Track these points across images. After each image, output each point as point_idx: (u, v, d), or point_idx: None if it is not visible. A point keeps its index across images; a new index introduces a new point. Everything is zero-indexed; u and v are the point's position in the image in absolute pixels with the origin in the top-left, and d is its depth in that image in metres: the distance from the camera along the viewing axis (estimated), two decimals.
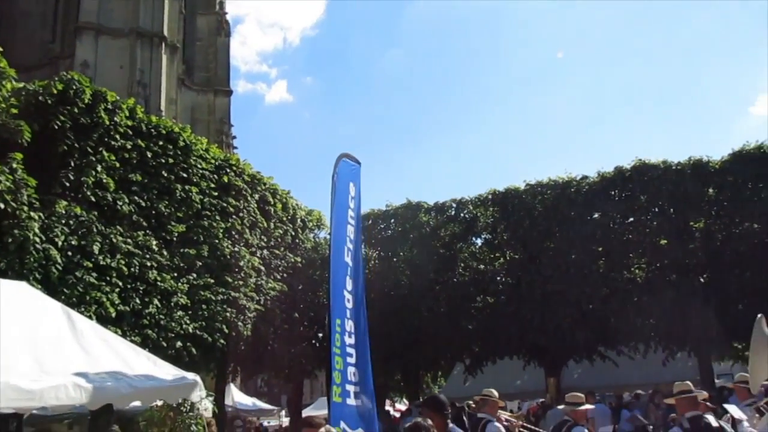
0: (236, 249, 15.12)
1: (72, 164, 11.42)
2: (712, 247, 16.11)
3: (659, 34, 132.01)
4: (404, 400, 27.23)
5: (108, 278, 11.49)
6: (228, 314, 14.38)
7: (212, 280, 14.21)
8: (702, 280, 16.37)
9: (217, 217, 14.83)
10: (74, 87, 11.54)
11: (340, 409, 6.30)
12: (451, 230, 19.23)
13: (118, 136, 12.44)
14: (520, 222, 18.22)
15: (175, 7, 39.12)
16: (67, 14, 38.79)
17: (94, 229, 11.37)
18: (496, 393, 7.70)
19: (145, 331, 12.07)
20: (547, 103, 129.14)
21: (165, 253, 13.12)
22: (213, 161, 15.24)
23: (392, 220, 20.29)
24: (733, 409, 7.25)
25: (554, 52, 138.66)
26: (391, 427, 17.69)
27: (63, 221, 10.82)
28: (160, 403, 7.72)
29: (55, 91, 11.16)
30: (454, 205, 19.64)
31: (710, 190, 16.67)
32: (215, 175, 15.16)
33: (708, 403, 7.25)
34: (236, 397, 24.08)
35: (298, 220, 18.98)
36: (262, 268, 16.30)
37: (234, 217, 15.38)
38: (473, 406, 10.50)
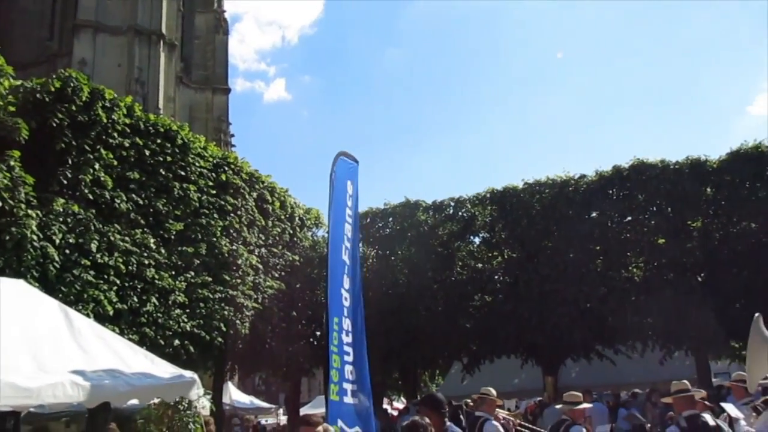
0: (234, 247, 15.10)
1: (70, 162, 11.39)
2: (710, 246, 16.13)
3: (657, 34, 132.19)
4: (402, 398, 27.23)
5: (106, 276, 11.48)
6: (226, 312, 14.38)
7: (210, 279, 14.19)
8: (699, 279, 16.40)
9: (215, 216, 14.82)
10: (72, 85, 11.52)
11: (337, 408, 6.31)
12: (449, 229, 19.23)
13: (116, 134, 12.42)
14: (518, 221, 18.22)
15: (173, 5, 39.09)
16: (65, 12, 38.75)
17: (92, 227, 11.35)
18: (494, 391, 7.70)
19: (142, 329, 12.06)
20: (546, 102, 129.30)
21: (163, 251, 13.11)
22: (211, 159, 15.23)
23: (390, 219, 20.29)
24: (730, 408, 7.26)
25: (553, 52, 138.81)
26: (388, 426, 17.71)
27: (61, 219, 10.80)
28: (157, 401, 7.72)
29: (52, 89, 11.13)
30: (452, 203, 19.64)
31: (708, 190, 16.69)
32: (213, 174, 15.14)
33: (706, 402, 7.26)
34: (234, 395, 24.05)
35: (296, 218, 18.96)
36: (260, 266, 16.29)
37: (232, 215, 15.37)
38: (471, 404, 10.52)
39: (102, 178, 11.89)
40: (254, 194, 16.63)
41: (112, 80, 29.65)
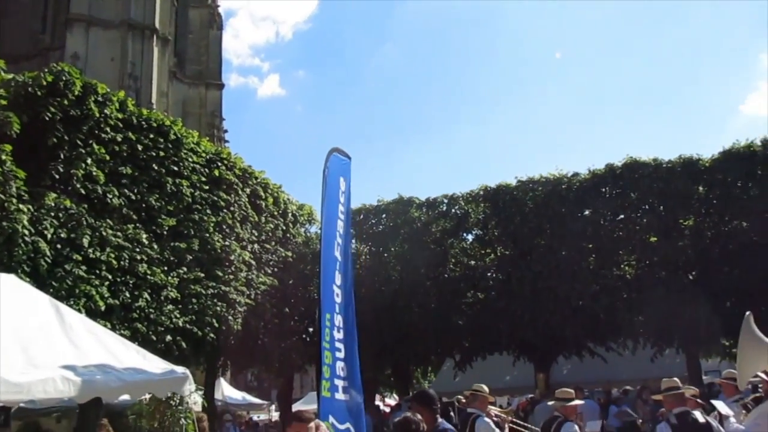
0: (227, 243, 15.08)
1: (62, 156, 11.35)
2: (702, 244, 16.18)
3: (651, 34, 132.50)
4: (394, 395, 27.27)
5: (97, 271, 11.45)
6: (218, 308, 14.36)
7: (202, 274, 14.17)
8: (691, 277, 16.46)
9: (208, 211, 14.79)
10: (64, 78, 11.47)
11: (329, 404, 6.31)
12: (442, 226, 19.23)
13: (108, 129, 12.38)
14: (511, 218, 18.23)
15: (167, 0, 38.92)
16: (57, 5, 38.51)
17: (84, 222, 11.32)
18: (486, 388, 7.71)
19: (134, 325, 12.03)
20: (539, 100, 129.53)
21: (155, 246, 13.08)
22: (204, 155, 15.19)
23: (383, 216, 20.26)
24: (720, 405, 7.30)
25: (548, 51, 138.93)
26: (380, 422, 17.75)
27: (52, 214, 10.76)
28: (149, 396, 7.71)
29: (44, 83, 11.08)
30: (446, 200, 19.63)
31: (700, 189, 16.73)
32: (206, 169, 15.11)
33: (698, 400, 7.30)
34: (226, 391, 24.05)
35: (290, 214, 18.95)
36: (253, 262, 16.27)
37: (225, 211, 15.34)
38: (463, 401, 10.53)
39: (94, 173, 11.85)
40: (247, 190, 16.60)
41: (104, 74, 29.50)
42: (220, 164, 15.58)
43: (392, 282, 18.70)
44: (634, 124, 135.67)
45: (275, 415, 28.36)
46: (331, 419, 6.19)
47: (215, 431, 15.31)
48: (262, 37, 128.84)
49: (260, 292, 16.35)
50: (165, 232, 13.50)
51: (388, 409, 22.34)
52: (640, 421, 14.25)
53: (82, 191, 11.56)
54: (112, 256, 11.80)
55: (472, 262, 18.84)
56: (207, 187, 14.94)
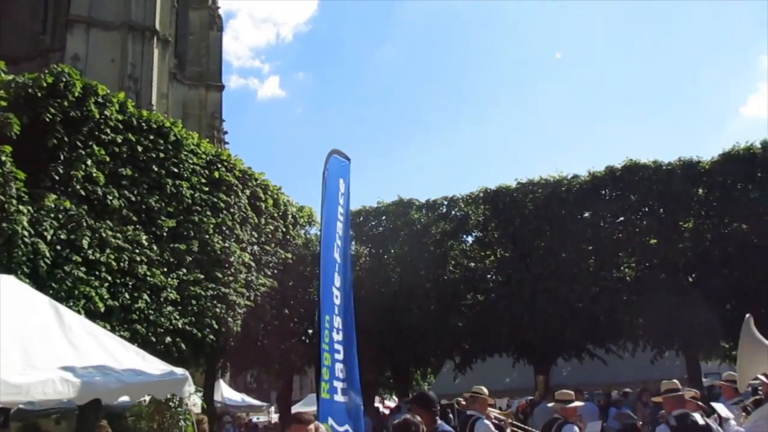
0: (227, 245, 15.07)
1: (61, 158, 11.34)
2: (701, 247, 16.19)
3: (651, 35, 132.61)
4: (394, 396, 27.25)
5: (97, 273, 11.44)
6: (218, 310, 14.35)
7: (202, 276, 14.16)
8: (690, 279, 16.47)
9: (208, 213, 14.78)
10: (64, 80, 11.47)
11: (328, 406, 6.31)
12: (442, 228, 19.24)
13: (108, 130, 12.37)
14: (511, 220, 18.25)
15: (167, 1, 38.92)
16: (58, 6, 38.51)
17: (84, 224, 11.31)
18: (486, 390, 7.71)
19: (134, 326, 12.02)
20: (539, 101, 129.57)
21: (155, 248, 13.07)
22: (204, 156, 15.19)
23: (383, 217, 20.28)
24: (720, 408, 7.30)
25: (548, 51, 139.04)
26: (380, 424, 17.74)
27: (52, 215, 10.75)
28: (148, 398, 7.70)
29: (45, 84, 11.08)
30: (446, 202, 19.64)
31: (700, 191, 16.75)
32: (206, 171, 15.11)
33: (699, 402, 7.30)
34: (225, 392, 24.03)
35: (289, 216, 18.94)
36: (253, 264, 16.26)
37: (225, 212, 15.33)
38: (463, 403, 10.52)
39: (94, 174, 11.85)
40: (247, 192, 16.60)
41: (104, 76, 29.46)
42: (220, 166, 15.58)
43: (392, 284, 18.71)
44: (634, 125, 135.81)
45: (275, 417, 28.31)
46: (330, 421, 6.18)
47: None
48: (263, 38, 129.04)
49: (260, 293, 16.34)
50: (165, 234, 13.49)
51: (387, 411, 22.35)
52: (640, 423, 14.24)
53: (82, 192, 11.56)
54: (112, 257, 11.80)
55: (472, 264, 18.84)
56: (207, 189, 14.94)
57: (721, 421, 7.01)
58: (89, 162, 11.75)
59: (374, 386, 22.01)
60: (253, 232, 16.65)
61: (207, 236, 14.48)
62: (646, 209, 17.23)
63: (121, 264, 11.99)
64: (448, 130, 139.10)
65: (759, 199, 15.64)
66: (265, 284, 16.66)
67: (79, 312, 9.82)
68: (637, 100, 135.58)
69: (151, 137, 13.53)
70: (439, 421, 5.17)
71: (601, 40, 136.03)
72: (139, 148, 13.10)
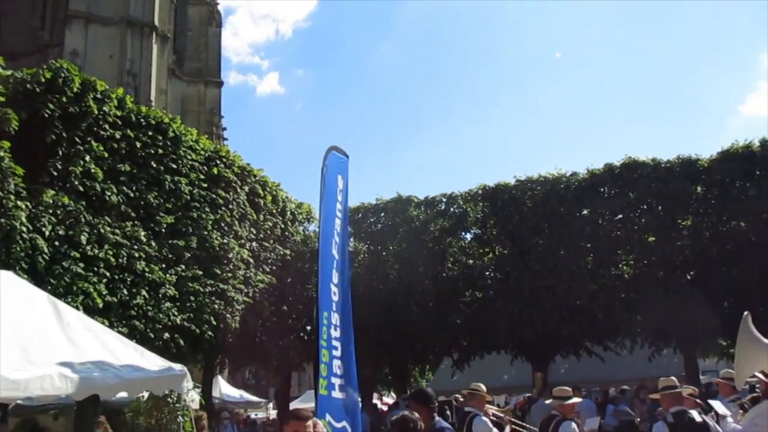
0: (225, 241, 15.06)
1: (60, 153, 11.33)
2: (700, 244, 16.19)
3: (651, 34, 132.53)
4: (392, 393, 27.29)
5: (95, 269, 11.42)
6: (216, 306, 14.34)
7: (201, 272, 14.15)
8: (689, 277, 16.48)
9: (207, 209, 14.77)
10: (63, 75, 11.44)
11: (326, 402, 6.32)
12: (441, 225, 19.23)
13: (107, 126, 12.35)
14: (510, 217, 18.24)
15: None
16: (56, 2, 38.49)
17: (82, 219, 11.30)
18: (484, 387, 7.72)
19: (132, 322, 12.01)
20: (538, 99, 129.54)
21: (153, 244, 13.06)
22: (203, 152, 15.17)
23: (382, 214, 20.26)
24: (717, 405, 7.32)
25: (547, 50, 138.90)
26: (378, 420, 17.75)
27: (50, 211, 10.74)
28: (146, 394, 7.70)
29: (43, 80, 11.06)
30: (444, 199, 19.63)
31: (698, 189, 16.75)
32: (205, 167, 15.09)
33: (697, 400, 7.31)
34: (224, 389, 24.06)
35: (288, 212, 18.93)
36: (251, 260, 16.25)
37: (223, 208, 15.32)
38: (461, 400, 10.54)
39: (92, 170, 11.83)
40: (246, 188, 16.58)
41: (103, 71, 29.46)
42: (218, 162, 15.56)
43: (390, 281, 18.71)
44: (633, 123, 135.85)
45: (273, 413, 28.35)
46: (328, 417, 6.19)
47: (213, 429, 15.31)
48: (262, 35, 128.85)
49: (258, 290, 16.34)
50: (163, 230, 13.48)
51: (385, 408, 22.35)
52: (638, 420, 14.28)
53: (81, 188, 11.54)
54: (110, 253, 11.78)
55: (471, 261, 18.85)
56: (206, 185, 14.93)
57: (719, 418, 7.02)
58: (88, 158, 11.73)
59: (372, 383, 22.04)
60: (252, 229, 16.64)
61: (205, 232, 14.47)
62: (645, 207, 17.24)
63: (120, 260, 11.98)
64: (447, 128, 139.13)
65: (757, 197, 15.65)
66: (264, 281, 16.65)
67: (77, 308, 9.81)
68: (637, 98, 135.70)
69: (150, 133, 13.51)
70: (437, 418, 5.17)
71: (601, 39, 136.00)
72: (138, 144, 13.08)
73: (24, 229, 10.03)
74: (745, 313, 6.42)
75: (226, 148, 18.87)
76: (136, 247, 12.47)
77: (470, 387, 7.80)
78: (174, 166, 14.06)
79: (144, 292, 12.44)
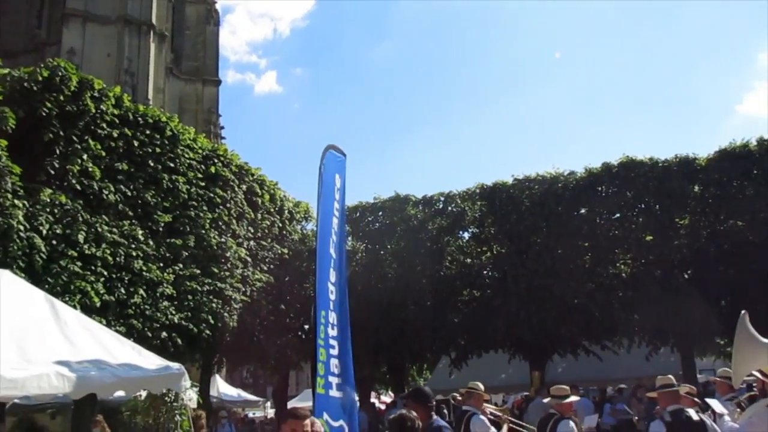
0: (223, 240, 15.06)
1: (57, 152, 11.32)
2: (697, 243, 16.22)
3: (649, 34, 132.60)
4: (390, 392, 27.32)
5: (93, 267, 11.42)
6: (214, 305, 14.34)
7: (198, 271, 14.15)
8: (686, 276, 16.50)
9: (204, 208, 14.77)
10: (60, 74, 11.44)
11: (323, 401, 6.31)
12: (439, 224, 19.24)
13: (104, 125, 12.34)
14: (508, 216, 18.25)
15: None
16: (54, 0, 38.39)
17: (80, 218, 11.29)
18: (481, 386, 7.71)
19: (129, 321, 12.01)
20: (536, 98, 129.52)
21: (151, 242, 13.05)
22: (200, 151, 15.17)
23: (380, 213, 20.27)
24: (714, 404, 7.33)
25: (545, 50, 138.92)
26: (376, 419, 17.76)
27: (48, 209, 10.73)
28: (144, 393, 7.70)
29: (40, 78, 11.06)
30: (442, 198, 19.65)
31: (696, 188, 16.78)
32: (202, 166, 15.09)
33: (695, 399, 7.31)
34: (221, 388, 24.05)
35: (286, 211, 18.94)
36: (249, 259, 16.25)
37: (221, 207, 15.32)
38: (459, 398, 10.55)
39: (90, 169, 11.82)
40: (243, 187, 16.58)
41: (101, 70, 29.43)
42: (216, 161, 15.55)
43: (388, 279, 18.72)
44: (631, 123, 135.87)
45: (271, 412, 28.36)
46: (326, 416, 6.18)
47: (211, 428, 15.31)
48: (260, 33, 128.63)
49: (256, 289, 16.34)
50: (161, 229, 13.48)
51: (383, 406, 22.38)
52: (635, 418, 14.30)
53: (78, 187, 11.54)
54: (108, 252, 11.78)
55: (468, 260, 18.86)
56: (203, 184, 14.92)
57: (716, 417, 7.03)
58: (85, 156, 11.73)
59: (370, 381, 22.04)
60: (250, 228, 16.64)
61: (203, 231, 14.46)
62: (643, 206, 17.26)
63: (117, 259, 11.97)
64: (445, 127, 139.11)
65: (755, 196, 15.68)
66: (261, 279, 16.65)
67: (74, 307, 9.81)
68: (635, 98, 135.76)
69: (148, 132, 13.50)
70: (435, 417, 5.18)
71: (601, 39, 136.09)
72: (136, 143, 13.07)
73: (21, 227, 10.02)
74: (743, 311, 6.42)
75: (224, 146, 18.87)
76: (133, 245, 12.46)
77: (468, 386, 7.79)
78: (171, 165, 14.05)
79: (141, 291, 12.44)
